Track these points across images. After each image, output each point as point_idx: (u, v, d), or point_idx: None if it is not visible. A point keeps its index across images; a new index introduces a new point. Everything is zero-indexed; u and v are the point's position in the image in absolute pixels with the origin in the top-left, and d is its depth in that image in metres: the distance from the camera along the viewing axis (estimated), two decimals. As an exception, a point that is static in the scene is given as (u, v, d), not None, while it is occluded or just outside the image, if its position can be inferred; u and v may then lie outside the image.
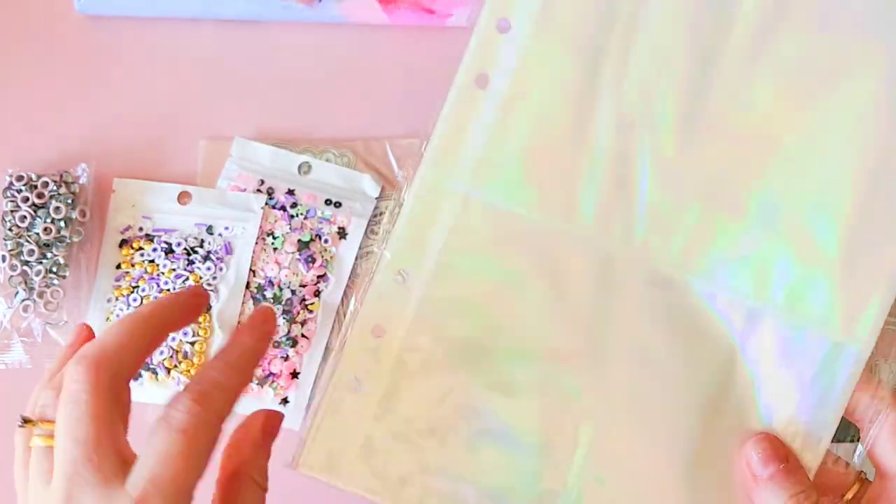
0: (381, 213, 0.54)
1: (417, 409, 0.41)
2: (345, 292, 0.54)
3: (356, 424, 0.41)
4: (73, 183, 0.54)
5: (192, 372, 0.52)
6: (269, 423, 0.38)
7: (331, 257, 0.54)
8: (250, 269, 0.54)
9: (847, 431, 0.41)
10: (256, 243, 0.54)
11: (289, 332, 0.53)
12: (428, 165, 0.41)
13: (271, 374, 0.53)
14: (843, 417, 0.40)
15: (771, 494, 0.39)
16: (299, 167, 0.55)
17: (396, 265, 0.41)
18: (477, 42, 0.41)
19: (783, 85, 0.40)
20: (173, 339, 0.52)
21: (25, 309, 0.53)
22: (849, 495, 0.41)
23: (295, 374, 0.53)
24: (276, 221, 0.54)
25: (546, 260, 0.41)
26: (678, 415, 0.40)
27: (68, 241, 0.54)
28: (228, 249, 0.54)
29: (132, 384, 0.54)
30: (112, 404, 0.33)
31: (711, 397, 0.40)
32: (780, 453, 0.39)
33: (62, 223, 0.53)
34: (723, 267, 0.40)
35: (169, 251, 0.54)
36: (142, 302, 0.53)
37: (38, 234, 0.53)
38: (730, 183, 0.40)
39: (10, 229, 0.53)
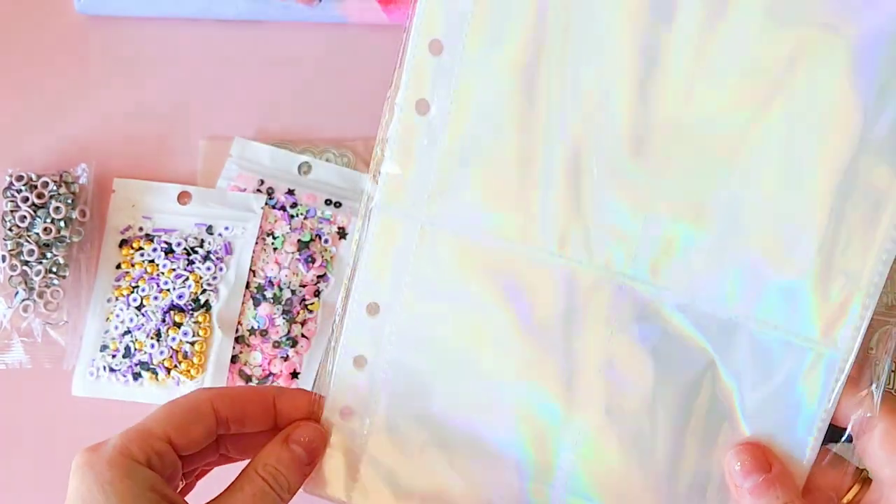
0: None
1: (406, 430, 0.41)
2: (345, 292, 0.54)
3: (355, 448, 0.41)
4: (73, 183, 0.54)
5: (192, 372, 0.52)
6: (297, 433, 0.40)
7: (331, 257, 0.54)
8: (250, 269, 0.53)
9: (842, 432, 0.40)
10: (256, 243, 0.54)
11: (289, 332, 0.53)
12: (382, 200, 0.40)
13: (271, 374, 0.53)
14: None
15: None
16: (299, 167, 0.55)
17: (367, 299, 0.41)
18: (411, 67, 0.39)
19: (737, 85, 0.38)
20: (173, 339, 0.52)
21: (25, 309, 0.53)
22: (848, 497, 0.40)
23: (295, 374, 0.53)
24: (276, 221, 0.54)
25: (511, 284, 0.40)
26: (658, 430, 0.40)
27: (68, 241, 0.54)
28: (228, 249, 0.54)
29: (132, 385, 0.54)
30: (197, 423, 0.38)
31: (692, 411, 0.39)
32: (762, 463, 0.38)
33: (62, 223, 0.53)
34: (693, 278, 0.39)
35: (169, 251, 0.54)
36: (142, 302, 0.53)
37: (38, 234, 0.53)
38: (690, 191, 0.38)
39: (10, 229, 0.53)
